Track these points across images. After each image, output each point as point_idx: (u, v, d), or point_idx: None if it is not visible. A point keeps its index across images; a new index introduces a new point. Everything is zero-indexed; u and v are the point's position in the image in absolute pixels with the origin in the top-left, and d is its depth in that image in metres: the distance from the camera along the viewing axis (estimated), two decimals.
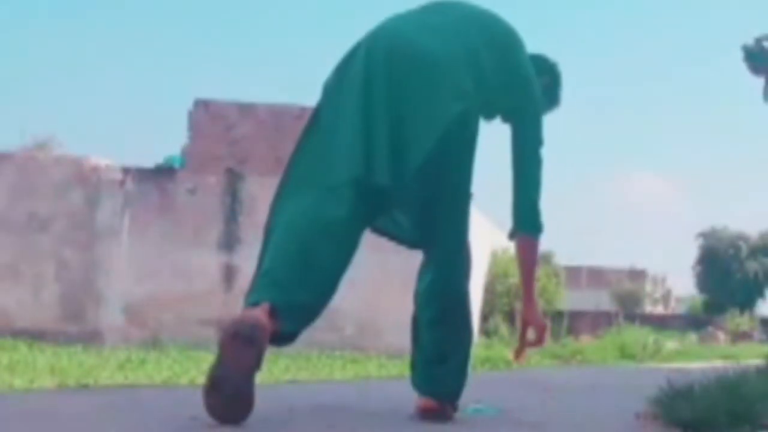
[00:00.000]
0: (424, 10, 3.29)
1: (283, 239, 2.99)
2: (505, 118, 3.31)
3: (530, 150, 3.29)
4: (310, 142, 3.15)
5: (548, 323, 3.53)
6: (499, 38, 3.27)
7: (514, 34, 3.32)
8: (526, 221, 3.30)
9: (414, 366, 3.34)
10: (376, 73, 3.05)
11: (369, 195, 3.03)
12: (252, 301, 2.86)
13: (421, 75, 3.06)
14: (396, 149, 3.01)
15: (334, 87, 3.14)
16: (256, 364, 2.73)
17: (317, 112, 3.18)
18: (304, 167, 3.11)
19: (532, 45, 3.39)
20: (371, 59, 3.07)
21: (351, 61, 3.14)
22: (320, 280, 2.99)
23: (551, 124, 3.45)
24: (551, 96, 3.47)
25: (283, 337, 2.92)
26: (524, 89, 3.28)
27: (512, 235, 3.34)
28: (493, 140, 3.36)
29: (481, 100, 3.15)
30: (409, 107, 3.04)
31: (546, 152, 3.28)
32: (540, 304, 3.49)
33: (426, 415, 3.21)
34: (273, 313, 2.79)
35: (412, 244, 3.42)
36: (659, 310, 43.68)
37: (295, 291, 2.89)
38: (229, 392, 2.68)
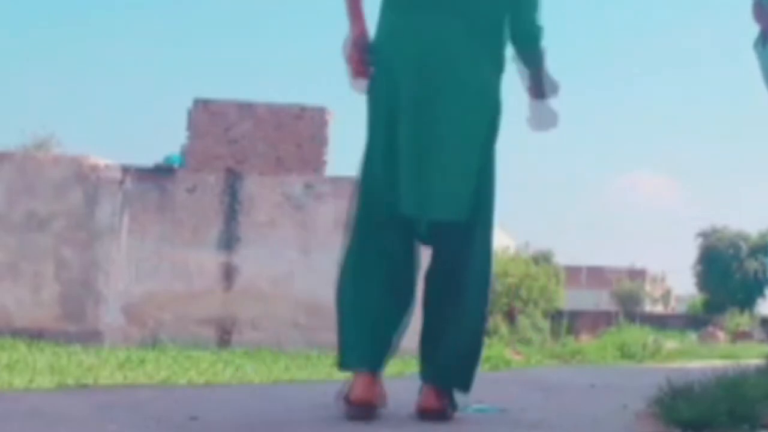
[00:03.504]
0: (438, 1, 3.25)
1: (367, 285, 3.18)
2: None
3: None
4: (365, 166, 3.24)
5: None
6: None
7: None
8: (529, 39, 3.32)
9: (420, 347, 3.34)
10: (402, 98, 3.13)
11: (409, 222, 3.20)
12: (356, 365, 3.16)
13: (448, 102, 3.14)
14: (423, 184, 3.12)
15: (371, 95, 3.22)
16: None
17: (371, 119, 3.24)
18: (362, 196, 3.23)
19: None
20: (397, 81, 3.14)
21: (375, 71, 3.19)
22: (406, 318, 3.26)
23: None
24: None
25: None
26: None
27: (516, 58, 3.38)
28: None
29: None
30: (438, 142, 3.13)
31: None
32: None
33: (426, 414, 3.20)
34: (376, 376, 3.14)
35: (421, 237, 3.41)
36: (659, 309, 43.71)
37: (388, 338, 3.19)
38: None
